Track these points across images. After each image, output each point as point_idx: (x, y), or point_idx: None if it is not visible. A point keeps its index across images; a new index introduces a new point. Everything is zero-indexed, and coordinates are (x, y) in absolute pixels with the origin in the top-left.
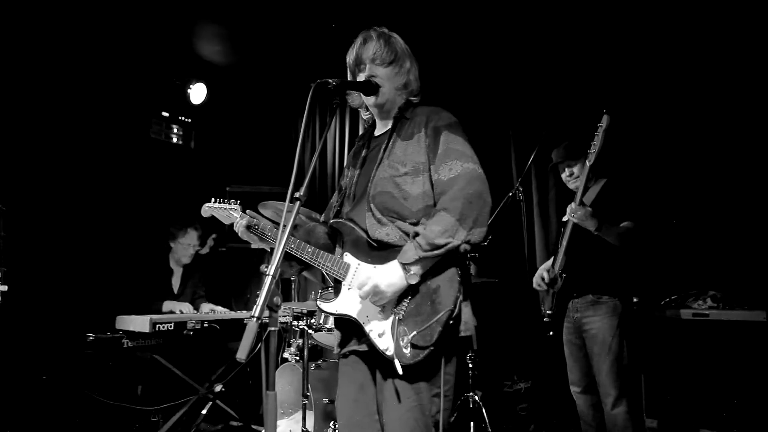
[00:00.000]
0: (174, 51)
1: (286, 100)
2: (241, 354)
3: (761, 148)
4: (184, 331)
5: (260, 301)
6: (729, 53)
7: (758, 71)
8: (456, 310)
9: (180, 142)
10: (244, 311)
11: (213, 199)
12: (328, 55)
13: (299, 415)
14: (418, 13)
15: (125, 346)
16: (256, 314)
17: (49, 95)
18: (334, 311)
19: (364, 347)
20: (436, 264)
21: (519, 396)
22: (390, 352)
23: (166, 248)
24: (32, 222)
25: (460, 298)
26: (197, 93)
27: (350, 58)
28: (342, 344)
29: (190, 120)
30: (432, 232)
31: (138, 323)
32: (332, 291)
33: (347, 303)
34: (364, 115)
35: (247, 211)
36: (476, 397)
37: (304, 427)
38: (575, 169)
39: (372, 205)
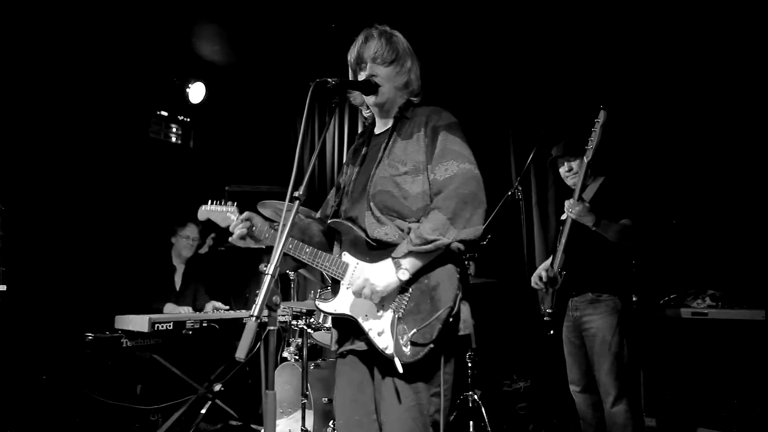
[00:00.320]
0: (173, 50)
1: (286, 100)
2: (241, 353)
3: (760, 146)
4: (183, 331)
5: (259, 300)
6: (728, 50)
7: (758, 69)
8: (456, 308)
9: (179, 142)
10: (244, 310)
11: (209, 201)
12: (328, 55)
13: (298, 414)
14: (417, 12)
15: (124, 345)
16: (256, 313)
17: (49, 95)
18: (332, 311)
19: (362, 346)
20: (433, 262)
21: (518, 395)
22: (389, 351)
23: (168, 245)
24: (31, 221)
25: (460, 296)
26: (196, 92)
27: (351, 56)
28: (340, 343)
29: (189, 119)
30: (424, 228)
31: (137, 323)
32: (330, 290)
33: (346, 302)
34: (364, 113)
35: (245, 214)
36: (475, 396)
37: (304, 427)
38: (574, 165)
39: (371, 204)
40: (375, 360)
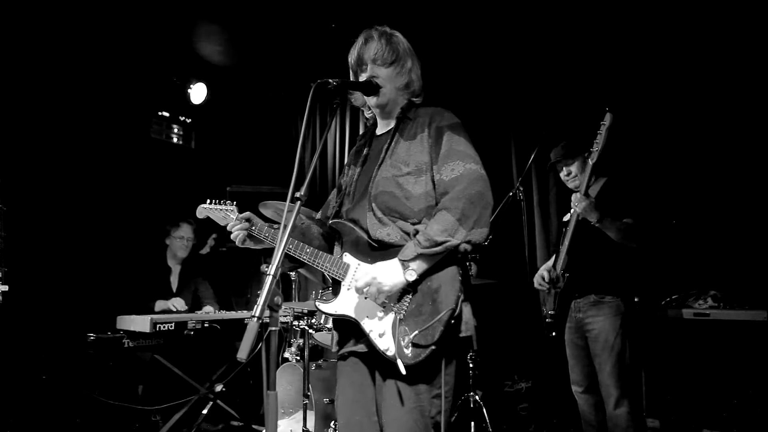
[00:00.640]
0: (174, 51)
1: (287, 100)
2: (242, 354)
3: (762, 147)
4: (185, 331)
5: (261, 300)
6: (726, 51)
7: (757, 71)
8: (458, 310)
9: (180, 142)
10: (245, 311)
11: (209, 200)
12: (328, 55)
13: (300, 414)
14: (418, 13)
15: (126, 346)
16: (257, 314)
17: (50, 95)
18: (333, 312)
19: (363, 348)
20: (437, 264)
21: (520, 396)
22: (391, 353)
23: (162, 246)
24: (33, 222)
25: (462, 297)
26: (197, 93)
27: (352, 57)
28: (341, 345)
29: (190, 120)
30: (432, 230)
31: (139, 323)
32: (331, 291)
33: (347, 303)
34: (366, 114)
35: (245, 213)
36: (477, 397)
37: (305, 427)
38: (573, 168)
39: (373, 205)
40: (376, 361)
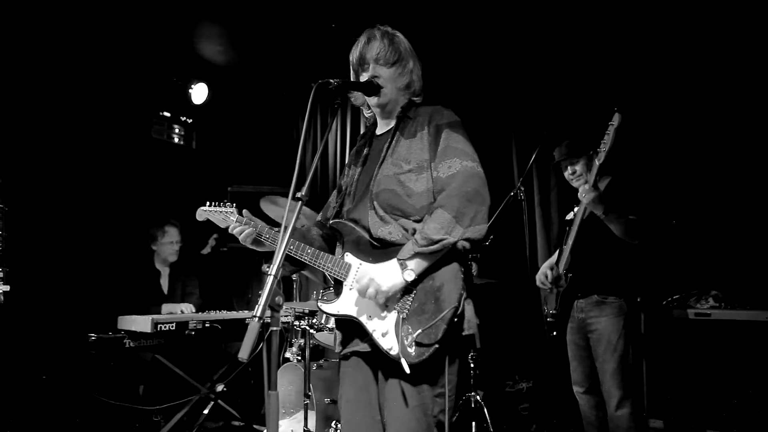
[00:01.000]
0: (175, 51)
1: (287, 100)
2: (243, 354)
3: (761, 147)
4: (186, 331)
5: (262, 301)
6: (726, 51)
7: (760, 73)
8: (460, 308)
9: (181, 143)
10: (246, 311)
11: (208, 203)
12: (328, 55)
13: (301, 414)
14: (418, 12)
15: (127, 346)
16: (258, 314)
17: (51, 96)
18: (335, 312)
19: (366, 347)
20: (438, 262)
21: (521, 396)
22: (394, 352)
23: (149, 252)
24: (34, 222)
25: (464, 295)
26: (198, 93)
27: (353, 57)
28: (344, 345)
29: (191, 120)
30: (428, 228)
31: (140, 323)
32: (333, 291)
33: (349, 303)
34: (366, 113)
35: (244, 211)
36: (478, 397)
37: (306, 427)
38: (578, 167)
39: (375, 203)
40: (379, 361)
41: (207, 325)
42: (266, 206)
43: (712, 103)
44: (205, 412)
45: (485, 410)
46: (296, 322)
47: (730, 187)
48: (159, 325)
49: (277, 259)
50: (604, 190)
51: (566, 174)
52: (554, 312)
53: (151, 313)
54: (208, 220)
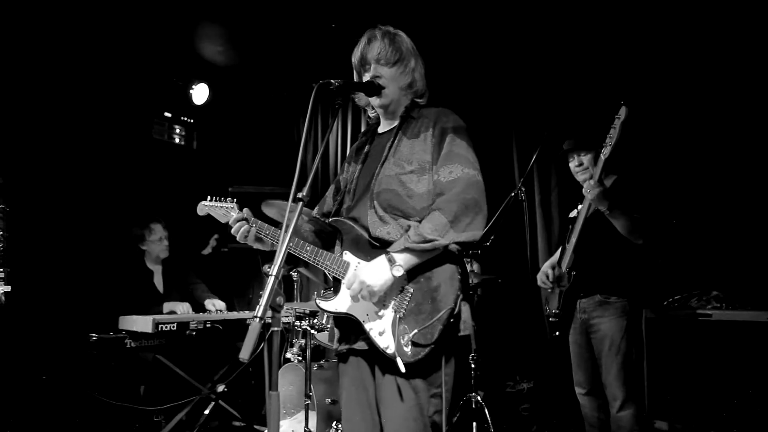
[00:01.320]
0: (176, 52)
1: (288, 101)
2: (244, 354)
3: (763, 147)
4: (187, 332)
5: (263, 301)
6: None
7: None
8: (456, 309)
9: (182, 143)
10: (247, 311)
11: (209, 197)
12: (329, 56)
13: (302, 415)
14: (419, 12)
15: (128, 346)
16: (259, 314)
17: (52, 96)
18: (333, 310)
19: (363, 345)
20: (434, 263)
21: (521, 396)
22: (391, 351)
23: (139, 252)
24: (35, 222)
25: (461, 296)
26: (199, 93)
27: (355, 57)
28: (340, 342)
29: (192, 120)
30: (423, 228)
31: (141, 323)
32: (332, 290)
33: (347, 302)
34: (369, 113)
35: (244, 209)
36: (478, 398)
37: (307, 427)
38: (584, 160)
39: (375, 202)
40: (376, 359)
41: (208, 325)
42: (268, 209)
43: (710, 101)
44: (206, 412)
45: (486, 411)
46: (297, 323)
47: (731, 186)
48: (160, 326)
49: (278, 260)
50: (610, 187)
51: (572, 165)
52: (556, 312)
53: (152, 313)
54: (209, 215)
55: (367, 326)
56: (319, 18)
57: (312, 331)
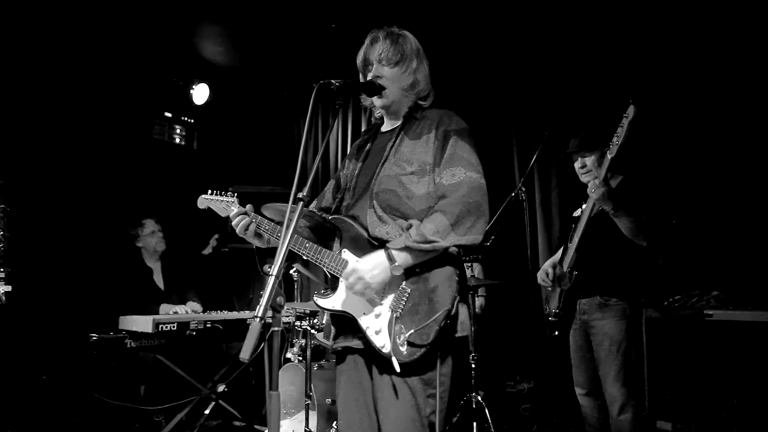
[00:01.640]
0: (176, 52)
1: (289, 101)
2: (244, 354)
3: (763, 147)
4: (187, 332)
5: (263, 301)
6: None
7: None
8: (453, 310)
9: (183, 143)
10: (247, 311)
11: (210, 191)
12: (329, 56)
13: (302, 415)
14: (419, 11)
15: (128, 346)
16: (260, 314)
17: (52, 97)
18: (330, 307)
19: (359, 344)
20: (433, 264)
21: (522, 396)
22: (386, 350)
23: (137, 251)
24: (36, 222)
25: (458, 298)
26: (200, 93)
27: (359, 59)
28: (336, 339)
29: (192, 120)
30: (425, 228)
31: (141, 323)
32: (330, 287)
33: (344, 299)
34: (375, 113)
35: (247, 206)
36: (479, 398)
37: (307, 427)
38: (588, 161)
39: (375, 202)
40: (373, 359)
41: (208, 325)
42: (268, 211)
43: (711, 101)
44: (207, 412)
45: (486, 411)
46: (297, 323)
47: (732, 186)
48: (160, 326)
49: (279, 260)
50: (616, 188)
51: (576, 166)
52: (557, 312)
53: (151, 312)
54: (209, 209)
55: (363, 324)
56: (319, 18)
57: (312, 331)
